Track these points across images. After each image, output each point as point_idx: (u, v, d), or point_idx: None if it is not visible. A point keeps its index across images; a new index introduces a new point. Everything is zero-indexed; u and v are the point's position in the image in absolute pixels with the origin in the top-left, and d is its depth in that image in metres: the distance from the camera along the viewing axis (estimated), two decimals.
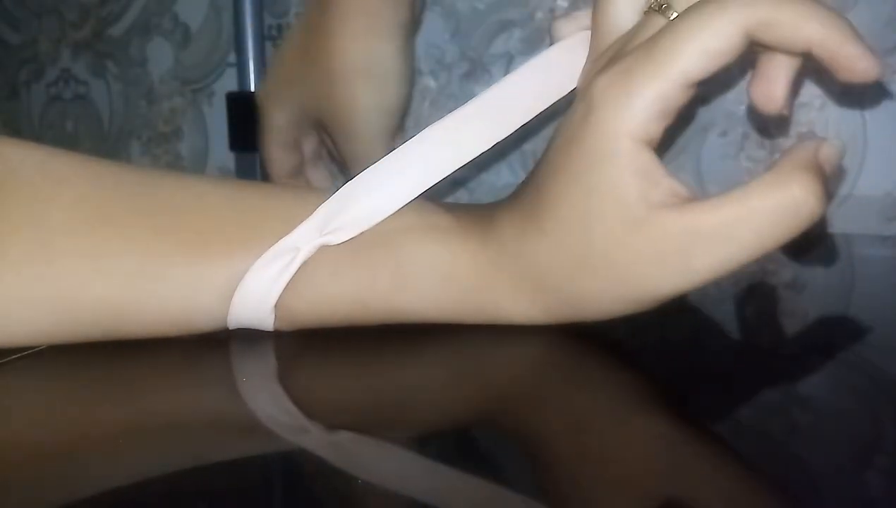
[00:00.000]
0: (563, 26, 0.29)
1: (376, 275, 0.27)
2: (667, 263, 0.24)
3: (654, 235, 0.23)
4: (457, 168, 0.28)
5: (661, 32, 0.24)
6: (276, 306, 0.27)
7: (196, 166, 0.68)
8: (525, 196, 0.27)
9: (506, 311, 0.27)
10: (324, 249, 0.27)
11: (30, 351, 0.26)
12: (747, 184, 0.23)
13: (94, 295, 0.26)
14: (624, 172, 0.24)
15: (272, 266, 0.26)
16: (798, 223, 0.22)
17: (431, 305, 0.27)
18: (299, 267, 0.26)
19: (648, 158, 0.24)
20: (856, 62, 0.22)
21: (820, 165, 0.23)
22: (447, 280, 0.27)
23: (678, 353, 0.28)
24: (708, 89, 0.37)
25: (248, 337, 0.28)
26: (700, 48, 0.22)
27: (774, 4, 0.22)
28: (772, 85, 0.26)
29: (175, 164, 0.68)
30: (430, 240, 0.27)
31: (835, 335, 0.29)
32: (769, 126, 0.46)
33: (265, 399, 0.25)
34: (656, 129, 0.24)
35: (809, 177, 0.22)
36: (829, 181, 0.23)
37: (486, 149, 0.28)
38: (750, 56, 0.26)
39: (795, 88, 0.27)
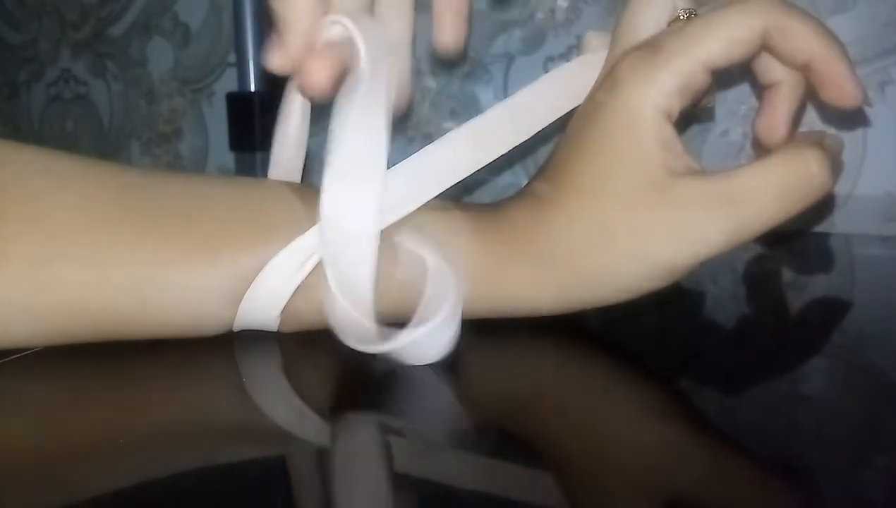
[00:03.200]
0: (593, 39, 0.30)
1: (388, 273, 0.27)
2: (688, 227, 0.24)
3: (676, 198, 0.24)
4: (473, 171, 0.28)
5: (690, 22, 0.26)
6: (283, 308, 0.27)
7: (196, 166, 0.68)
8: (537, 185, 0.28)
9: (518, 300, 0.27)
10: None
11: (29, 351, 0.26)
12: (765, 158, 0.24)
13: (99, 304, 0.25)
14: (648, 139, 0.25)
15: (284, 268, 0.26)
16: (812, 193, 0.24)
17: None
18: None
19: (670, 131, 0.25)
20: (846, 82, 0.25)
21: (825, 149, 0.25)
22: (458, 274, 0.27)
23: (677, 352, 0.28)
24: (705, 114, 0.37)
25: (253, 335, 0.28)
26: (725, 35, 0.25)
27: (790, 14, 0.25)
28: (775, 118, 0.28)
29: (175, 164, 0.68)
30: (441, 238, 0.27)
31: (835, 335, 0.29)
32: None
33: (272, 396, 0.25)
34: (677, 105, 0.25)
35: (821, 153, 0.24)
36: (833, 167, 0.25)
37: (503, 153, 0.28)
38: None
39: (796, 122, 0.28)
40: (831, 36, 0.25)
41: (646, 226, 0.25)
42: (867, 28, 0.44)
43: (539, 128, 0.29)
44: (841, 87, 0.25)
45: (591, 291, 0.26)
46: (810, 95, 0.28)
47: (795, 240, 0.45)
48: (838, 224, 0.46)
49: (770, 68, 0.27)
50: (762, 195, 0.24)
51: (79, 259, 0.25)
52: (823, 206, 0.46)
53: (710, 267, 0.25)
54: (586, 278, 0.26)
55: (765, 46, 0.25)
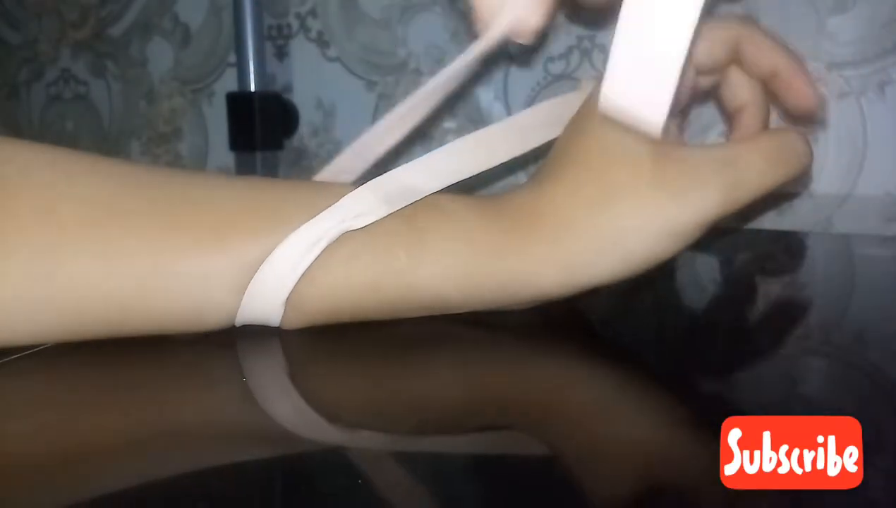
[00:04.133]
0: (588, 84, 0.32)
1: (393, 254, 0.27)
2: (690, 181, 0.26)
3: (676, 159, 0.26)
4: (479, 171, 0.30)
5: None
6: (287, 297, 0.27)
7: (196, 166, 0.68)
8: (540, 172, 0.29)
9: (522, 280, 0.27)
10: (343, 235, 0.27)
11: (31, 350, 0.26)
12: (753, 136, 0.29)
13: (104, 293, 0.25)
14: None
15: (292, 253, 0.26)
16: (795, 159, 0.27)
17: (447, 279, 0.27)
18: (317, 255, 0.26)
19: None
20: (807, 87, 0.30)
21: None
22: (463, 250, 0.27)
23: (676, 352, 0.28)
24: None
25: (256, 338, 0.28)
26: (708, 36, 0.29)
27: (758, 30, 0.30)
28: (745, 134, 0.31)
29: (175, 164, 0.68)
30: (447, 216, 0.28)
31: (835, 335, 0.29)
32: None
33: (277, 399, 0.25)
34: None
35: (800, 133, 0.28)
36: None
37: (506, 159, 0.31)
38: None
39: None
40: (791, 50, 0.30)
41: (649, 185, 0.26)
42: (867, 28, 0.44)
43: (535, 145, 0.32)
44: (802, 91, 0.29)
45: (597, 264, 0.27)
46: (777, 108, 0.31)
47: (795, 240, 0.45)
48: (838, 224, 0.46)
49: (736, 93, 0.31)
50: (754, 157, 0.27)
51: (84, 250, 0.25)
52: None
53: (708, 267, 0.25)
54: (592, 247, 0.26)
55: (737, 59, 0.30)
